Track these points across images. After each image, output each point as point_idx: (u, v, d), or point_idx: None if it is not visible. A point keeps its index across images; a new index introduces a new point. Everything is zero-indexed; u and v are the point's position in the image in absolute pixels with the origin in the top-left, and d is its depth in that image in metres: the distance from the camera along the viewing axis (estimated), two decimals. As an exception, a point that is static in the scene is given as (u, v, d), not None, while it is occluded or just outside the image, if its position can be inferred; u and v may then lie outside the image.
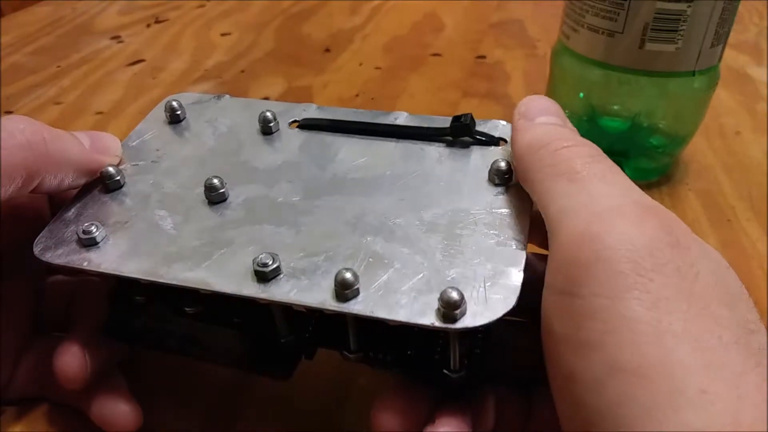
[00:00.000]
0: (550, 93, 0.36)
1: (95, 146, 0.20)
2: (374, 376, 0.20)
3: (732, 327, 0.13)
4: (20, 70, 0.49)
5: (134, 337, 0.20)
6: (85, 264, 0.18)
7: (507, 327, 0.20)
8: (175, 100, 0.23)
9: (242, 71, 0.49)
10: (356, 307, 0.15)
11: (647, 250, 0.13)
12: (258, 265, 0.16)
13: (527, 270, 0.16)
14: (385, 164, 0.20)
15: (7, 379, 0.21)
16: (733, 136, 0.40)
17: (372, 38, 0.55)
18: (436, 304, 0.15)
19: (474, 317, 0.15)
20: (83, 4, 0.64)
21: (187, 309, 0.19)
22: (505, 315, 0.15)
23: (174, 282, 0.17)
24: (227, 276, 0.17)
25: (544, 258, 0.17)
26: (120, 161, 0.21)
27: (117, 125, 0.41)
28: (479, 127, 0.21)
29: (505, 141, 0.21)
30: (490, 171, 0.19)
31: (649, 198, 0.16)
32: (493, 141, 0.20)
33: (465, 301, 0.15)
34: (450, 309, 0.15)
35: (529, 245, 0.18)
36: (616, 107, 0.33)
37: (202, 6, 0.63)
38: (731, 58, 0.50)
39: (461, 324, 0.15)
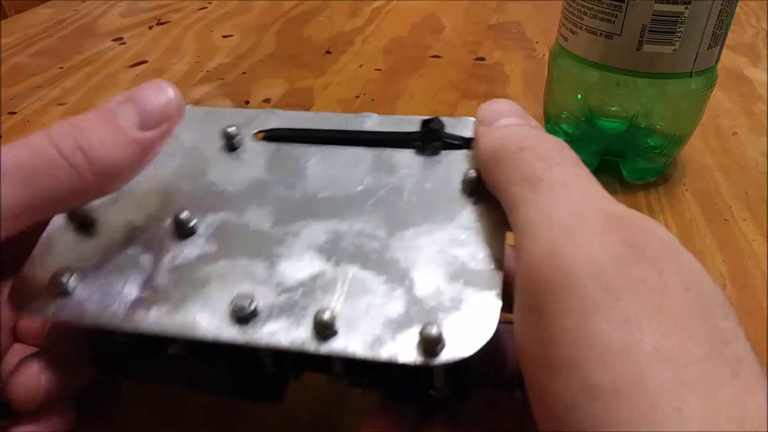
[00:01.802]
0: (549, 94, 0.37)
1: (146, 120, 0.17)
2: (364, 398, 0.20)
3: (705, 339, 0.12)
4: (23, 72, 0.49)
5: (116, 369, 0.20)
6: (60, 315, 0.17)
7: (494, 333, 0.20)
8: None
9: (244, 73, 0.49)
10: (336, 346, 0.15)
11: (612, 265, 0.13)
12: (235, 308, 0.16)
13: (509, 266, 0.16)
14: (356, 178, 0.19)
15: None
16: (731, 137, 0.40)
17: (372, 40, 0.56)
18: (416, 339, 0.15)
19: (455, 350, 0.15)
20: (86, 5, 0.64)
21: (169, 350, 0.18)
22: (484, 345, 0.15)
23: (152, 331, 0.16)
24: (206, 320, 0.16)
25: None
26: (180, 116, 0.17)
27: (119, 126, 0.41)
28: (449, 126, 0.20)
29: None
30: (462, 181, 0.18)
31: (614, 202, 0.15)
32: (464, 143, 0.20)
33: (444, 337, 0.15)
34: (430, 345, 0.15)
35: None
36: (614, 108, 0.33)
37: (203, 8, 0.64)
38: (729, 59, 0.50)
39: (442, 359, 0.15)
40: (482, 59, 0.52)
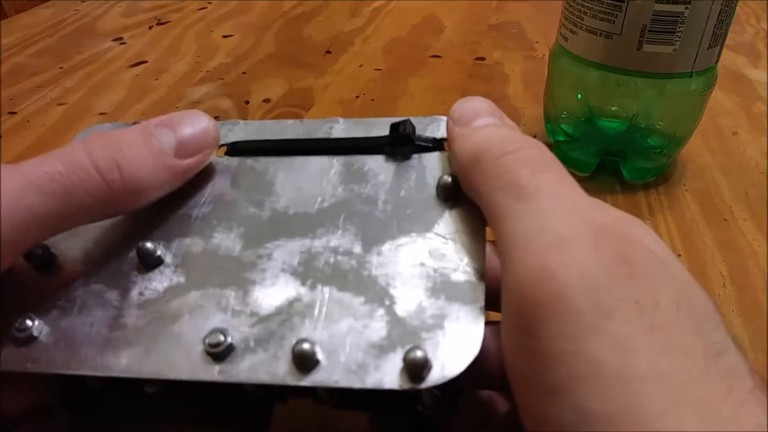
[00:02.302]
0: (549, 94, 0.37)
1: (184, 147, 0.17)
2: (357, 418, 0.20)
3: (698, 354, 0.12)
4: (23, 72, 0.49)
5: (91, 413, 0.19)
6: (27, 366, 0.16)
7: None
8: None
9: (244, 73, 0.49)
10: (318, 378, 0.15)
11: (605, 285, 0.13)
12: (209, 345, 0.15)
13: (491, 262, 0.16)
14: (326, 190, 0.18)
15: None
16: (731, 137, 0.40)
17: (372, 40, 0.56)
18: (400, 364, 0.15)
19: (441, 372, 0.14)
20: (86, 5, 0.64)
21: (146, 389, 0.18)
22: (470, 363, 0.15)
23: (126, 375, 0.16)
24: (181, 359, 0.16)
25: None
26: (215, 145, 0.18)
27: (120, 126, 0.42)
28: (421, 126, 0.19)
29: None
30: (437, 187, 0.18)
31: (603, 211, 0.15)
32: (436, 145, 0.19)
33: (429, 359, 0.14)
34: (416, 370, 0.14)
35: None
36: (614, 108, 0.33)
37: (203, 8, 0.64)
38: (729, 59, 0.50)
39: (429, 382, 0.14)
40: (482, 59, 0.52)
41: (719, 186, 0.35)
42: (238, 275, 0.17)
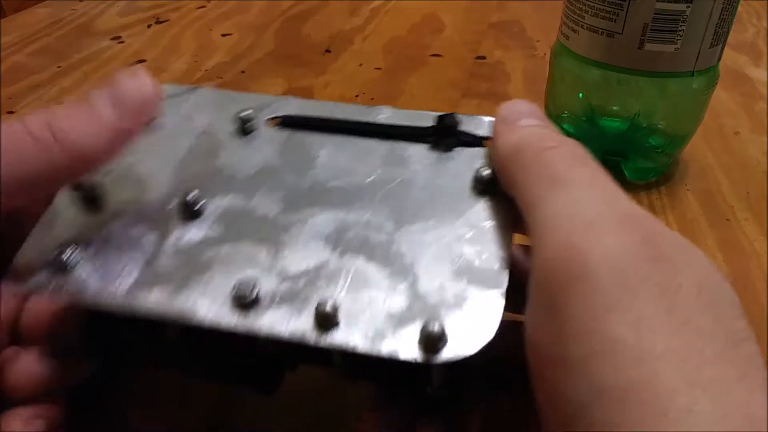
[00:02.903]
0: (550, 93, 0.36)
1: (122, 111, 0.17)
2: (363, 396, 0.20)
3: (717, 339, 0.12)
4: (21, 71, 0.49)
5: (113, 354, 0.20)
6: (59, 291, 0.17)
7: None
8: None
9: (243, 72, 0.49)
10: (337, 339, 0.15)
11: (629, 266, 0.13)
12: (237, 294, 0.16)
13: (516, 265, 0.16)
14: (367, 169, 0.19)
15: None
16: (732, 136, 0.40)
17: (372, 39, 0.56)
18: (417, 335, 0.15)
19: (455, 349, 0.15)
20: (84, 5, 0.64)
21: (167, 333, 0.18)
22: (485, 345, 0.15)
23: (151, 314, 0.16)
24: (206, 305, 0.16)
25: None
26: (157, 108, 0.18)
27: (118, 125, 0.41)
28: (464, 124, 0.20)
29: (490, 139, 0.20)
30: (473, 179, 0.18)
31: (633, 204, 0.15)
32: (477, 141, 0.19)
33: (446, 334, 0.15)
34: (432, 343, 0.15)
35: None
36: (615, 107, 0.33)
37: (202, 7, 0.64)
38: (730, 58, 0.50)
39: (443, 357, 0.15)
40: (483, 58, 0.52)
41: (721, 186, 0.35)
42: (272, 236, 0.18)
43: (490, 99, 0.45)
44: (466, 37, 0.56)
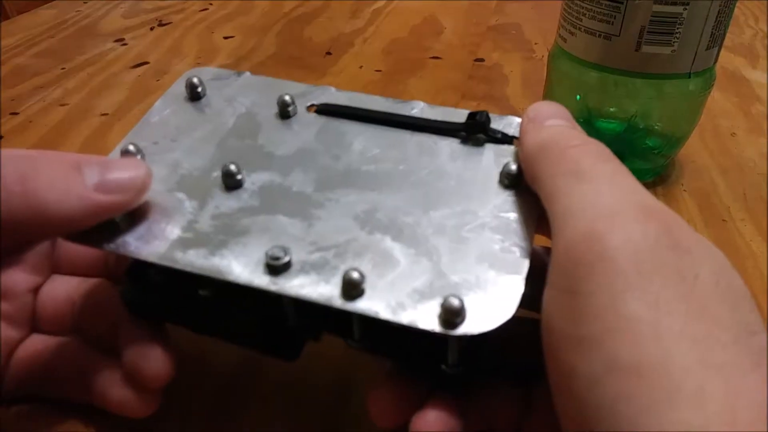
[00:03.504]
0: (548, 95, 0.37)
1: (105, 183, 0.17)
2: (375, 371, 0.20)
3: (732, 328, 0.13)
4: (25, 72, 0.50)
5: (151, 313, 0.21)
6: (104, 245, 0.18)
7: (510, 322, 0.21)
8: (195, 76, 0.23)
9: (244, 73, 0.49)
10: (361, 306, 0.16)
11: (648, 251, 0.13)
12: (270, 257, 0.17)
13: (535, 262, 0.17)
14: (398, 158, 0.20)
15: (2, 372, 0.21)
16: (729, 138, 0.40)
17: (372, 41, 0.56)
18: (437, 309, 0.16)
19: (473, 324, 0.15)
20: (87, 6, 0.64)
21: (200, 291, 0.19)
22: (503, 324, 0.15)
23: (188, 269, 0.17)
24: (240, 266, 0.17)
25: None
26: (141, 194, 0.18)
27: (121, 126, 0.42)
28: (494, 124, 0.21)
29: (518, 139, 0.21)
30: (501, 173, 0.19)
31: (654, 199, 0.16)
32: (506, 139, 0.20)
33: (465, 309, 0.15)
34: (451, 316, 0.15)
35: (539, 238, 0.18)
36: (612, 109, 0.33)
37: (205, 9, 0.64)
38: (727, 60, 0.51)
39: (460, 331, 0.15)
40: (481, 60, 0.52)
41: (717, 187, 0.36)
42: (306, 210, 0.19)
43: (489, 101, 0.45)
44: (465, 39, 0.57)
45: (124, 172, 0.18)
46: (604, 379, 0.13)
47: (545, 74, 0.37)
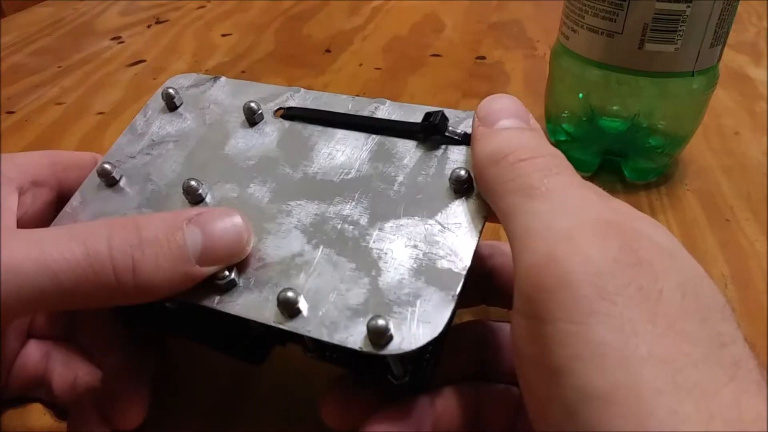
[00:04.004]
0: (550, 93, 0.36)
1: (209, 253, 0.17)
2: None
3: (702, 342, 0.12)
4: (22, 71, 0.49)
5: (131, 319, 0.22)
6: None
7: (486, 326, 0.21)
8: (171, 87, 0.24)
9: (243, 72, 0.49)
10: (296, 325, 0.17)
11: (609, 272, 0.13)
12: (216, 278, 0.17)
13: (506, 259, 0.17)
14: (354, 164, 0.20)
15: (5, 380, 0.21)
16: (732, 137, 0.40)
17: (372, 39, 0.56)
18: (365, 329, 0.16)
19: (399, 344, 0.16)
20: (84, 4, 0.64)
21: (166, 304, 0.20)
22: (429, 342, 0.16)
23: None
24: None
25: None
26: (244, 254, 0.18)
27: (118, 125, 0.41)
28: (455, 120, 0.20)
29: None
30: (450, 179, 0.19)
31: (611, 208, 0.15)
32: (465, 140, 0.20)
33: (390, 330, 0.16)
34: (376, 337, 0.16)
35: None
36: (615, 107, 0.33)
37: (202, 7, 0.64)
38: (730, 58, 0.50)
39: (386, 351, 0.16)
40: (483, 58, 0.52)
41: (721, 186, 0.35)
42: (258, 224, 0.19)
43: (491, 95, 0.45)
44: (466, 37, 0.56)
45: (227, 237, 0.17)
46: (576, 408, 0.12)
47: (547, 72, 0.36)
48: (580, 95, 0.33)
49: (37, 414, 0.22)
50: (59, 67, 0.50)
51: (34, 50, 0.53)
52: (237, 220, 0.17)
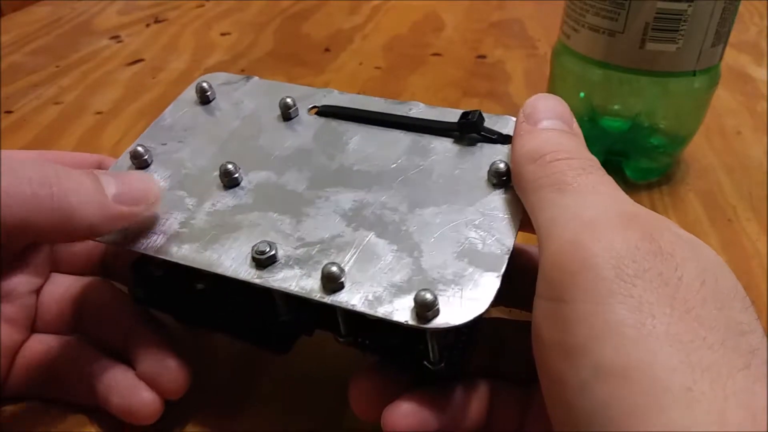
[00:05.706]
0: (551, 93, 0.36)
1: (123, 195, 0.18)
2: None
3: (719, 328, 0.13)
4: (20, 70, 0.49)
5: (155, 306, 0.22)
6: (105, 237, 0.19)
7: (504, 324, 0.21)
8: (205, 81, 0.24)
9: (242, 71, 0.49)
10: (339, 298, 0.17)
11: (630, 257, 0.14)
12: (256, 252, 0.18)
13: (525, 261, 0.17)
14: (391, 157, 0.21)
15: (5, 375, 0.21)
16: (734, 136, 0.40)
17: (372, 38, 0.55)
18: (411, 303, 0.16)
19: (446, 318, 0.16)
20: (82, 4, 0.64)
21: (197, 284, 0.20)
22: (475, 318, 0.16)
23: (182, 261, 0.18)
24: (229, 259, 0.18)
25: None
26: (154, 206, 0.19)
27: (116, 125, 0.41)
28: (490, 123, 0.21)
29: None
30: (488, 171, 0.19)
31: (637, 206, 0.16)
32: (501, 139, 0.20)
33: (438, 303, 0.16)
34: (423, 310, 0.16)
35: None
36: (616, 107, 0.33)
37: (201, 6, 0.63)
38: (732, 57, 0.50)
39: (432, 324, 0.16)
40: (483, 57, 0.52)
41: (723, 186, 0.35)
42: (297, 208, 0.20)
43: (491, 98, 0.45)
44: (467, 36, 0.56)
45: (138, 185, 0.19)
46: (592, 384, 0.13)
47: (548, 71, 0.36)
48: (582, 95, 0.33)
49: (37, 414, 0.22)
50: (57, 66, 0.50)
51: (32, 49, 0.53)
52: (148, 177, 0.20)
